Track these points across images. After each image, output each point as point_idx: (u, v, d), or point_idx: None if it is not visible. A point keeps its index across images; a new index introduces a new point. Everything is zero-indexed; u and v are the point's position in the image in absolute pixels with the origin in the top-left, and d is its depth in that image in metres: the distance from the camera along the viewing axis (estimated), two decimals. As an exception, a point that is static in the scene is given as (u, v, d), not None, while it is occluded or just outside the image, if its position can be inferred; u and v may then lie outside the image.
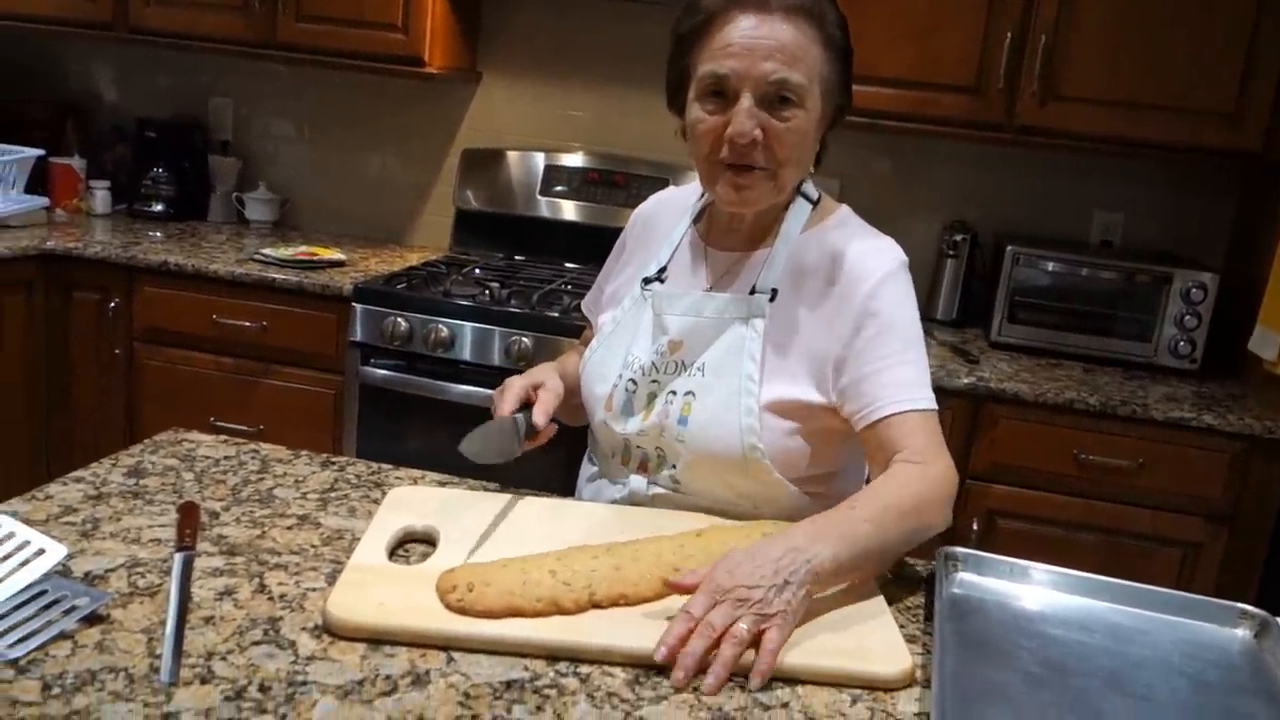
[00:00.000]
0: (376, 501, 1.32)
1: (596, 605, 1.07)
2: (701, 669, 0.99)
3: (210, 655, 0.95)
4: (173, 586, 1.05)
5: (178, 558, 1.10)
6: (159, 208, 3.19)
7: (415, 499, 1.29)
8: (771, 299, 1.34)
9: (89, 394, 2.79)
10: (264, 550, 1.16)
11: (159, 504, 1.24)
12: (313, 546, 1.18)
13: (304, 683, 0.92)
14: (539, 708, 0.92)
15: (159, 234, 2.99)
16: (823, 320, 1.32)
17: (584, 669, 0.99)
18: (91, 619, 0.98)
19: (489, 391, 2.47)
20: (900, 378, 1.28)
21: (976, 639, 1.13)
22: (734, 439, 1.30)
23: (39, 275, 2.71)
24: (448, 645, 1.00)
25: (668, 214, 1.51)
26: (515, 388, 1.38)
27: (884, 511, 1.15)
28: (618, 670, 1.00)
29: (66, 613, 0.97)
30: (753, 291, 1.34)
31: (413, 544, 1.21)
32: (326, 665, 0.96)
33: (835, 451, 1.36)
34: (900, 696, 1.01)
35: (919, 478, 1.20)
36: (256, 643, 0.98)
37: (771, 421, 1.31)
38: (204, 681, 0.91)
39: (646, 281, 1.43)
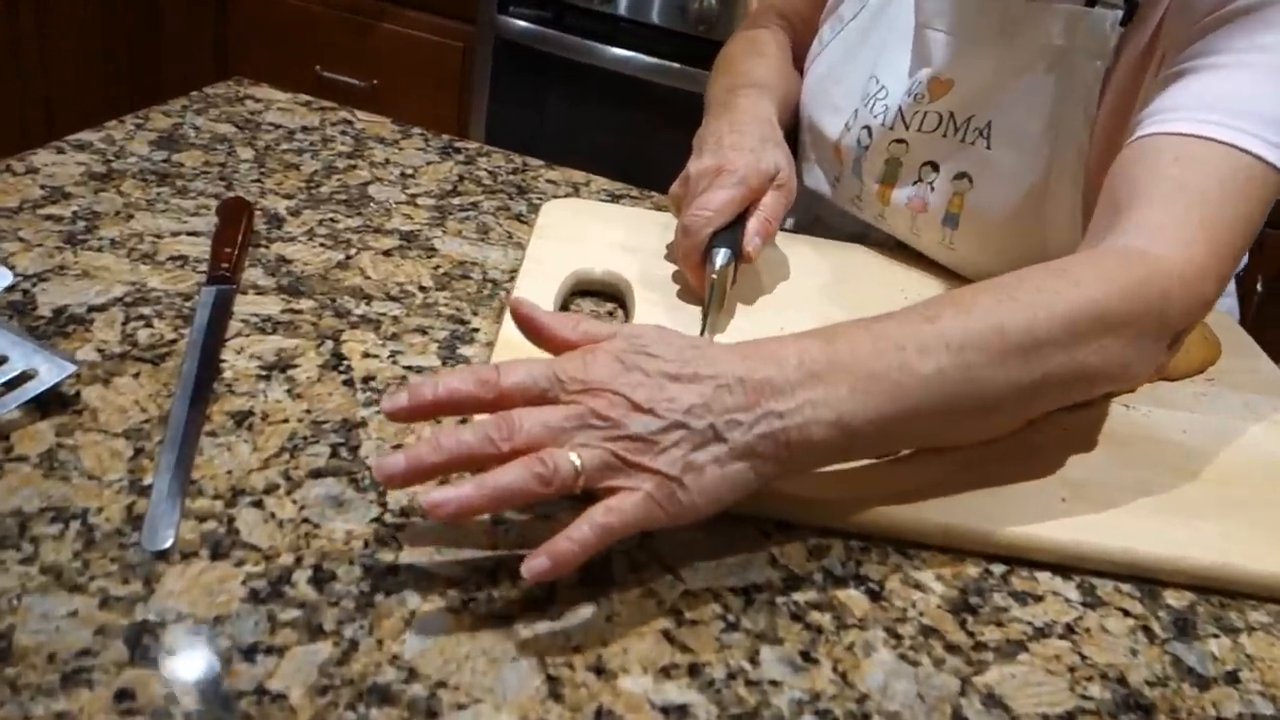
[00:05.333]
0: (520, 218, 0.87)
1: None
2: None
3: (234, 495, 0.54)
4: (191, 351, 0.63)
5: (206, 293, 0.68)
6: None
7: (580, 221, 0.83)
8: (1125, 19, 0.73)
9: (177, 25, 2.34)
10: (345, 289, 0.73)
11: (194, 195, 0.81)
12: (422, 290, 0.75)
13: (391, 572, 0.51)
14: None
15: None
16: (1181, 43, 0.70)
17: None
18: (42, 404, 0.57)
19: (650, 60, 1.97)
20: (1232, 86, 0.65)
21: None
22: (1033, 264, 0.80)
23: None
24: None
25: None
26: (731, 187, 0.72)
27: (987, 337, 0.55)
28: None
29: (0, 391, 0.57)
30: (1092, 1, 0.75)
31: (583, 297, 0.77)
32: (430, 533, 0.54)
33: None
34: None
35: (1112, 277, 0.58)
36: (317, 474, 0.56)
37: None
38: (216, 554, 0.51)
39: None
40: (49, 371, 0.58)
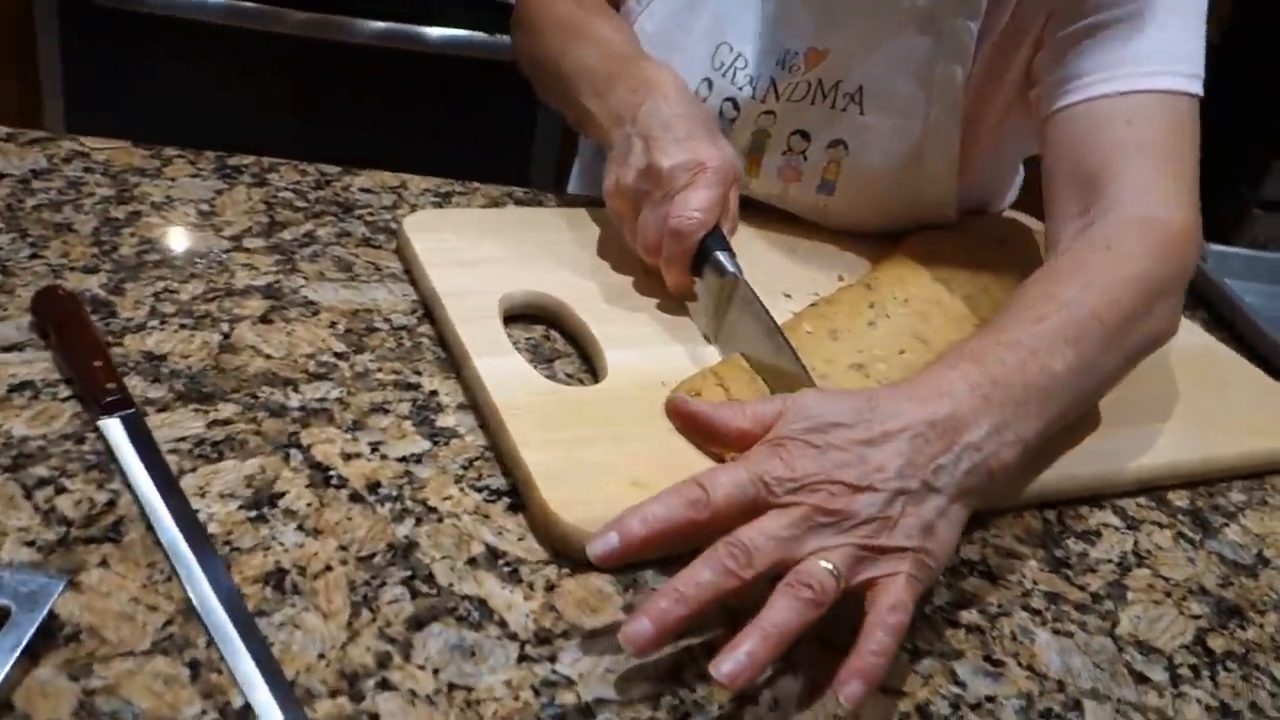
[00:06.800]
0: (369, 243, 0.75)
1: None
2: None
3: (352, 684, 0.44)
4: (151, 513, 0.49)
5: (110, 429, 0.53)
6: None
7: (457, 238, 0.74)
8: None
9: None
10: (255, 379, 0.60)
11: (-28, 293, 0.62)
12: (338, 357, 0.63)
13: (587, 716, 0.44)
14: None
15: None
16: None
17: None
18: (46, 636, 0.42)
19: (272, 8, 1.78)
20: (1142, 35, 0.68)
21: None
22: (908, 218, 0.83)
23: None
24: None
25: None
26: (714, 186, 0.66)
27: (1091, 327, 0.57)
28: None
29: (-26, 650, 0.41)
30: None
31: (506, 324, 0.68)
32: (589, 657, 0.47)
33: None
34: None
35: (1148, 246, 0.62)
36: (417, 624, 0.47)
37: (988, 182, 0.84)
38: (396, 767, 0.41)
39: None
40: (26, 598, 0.42)
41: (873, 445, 0.48)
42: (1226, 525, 0.64)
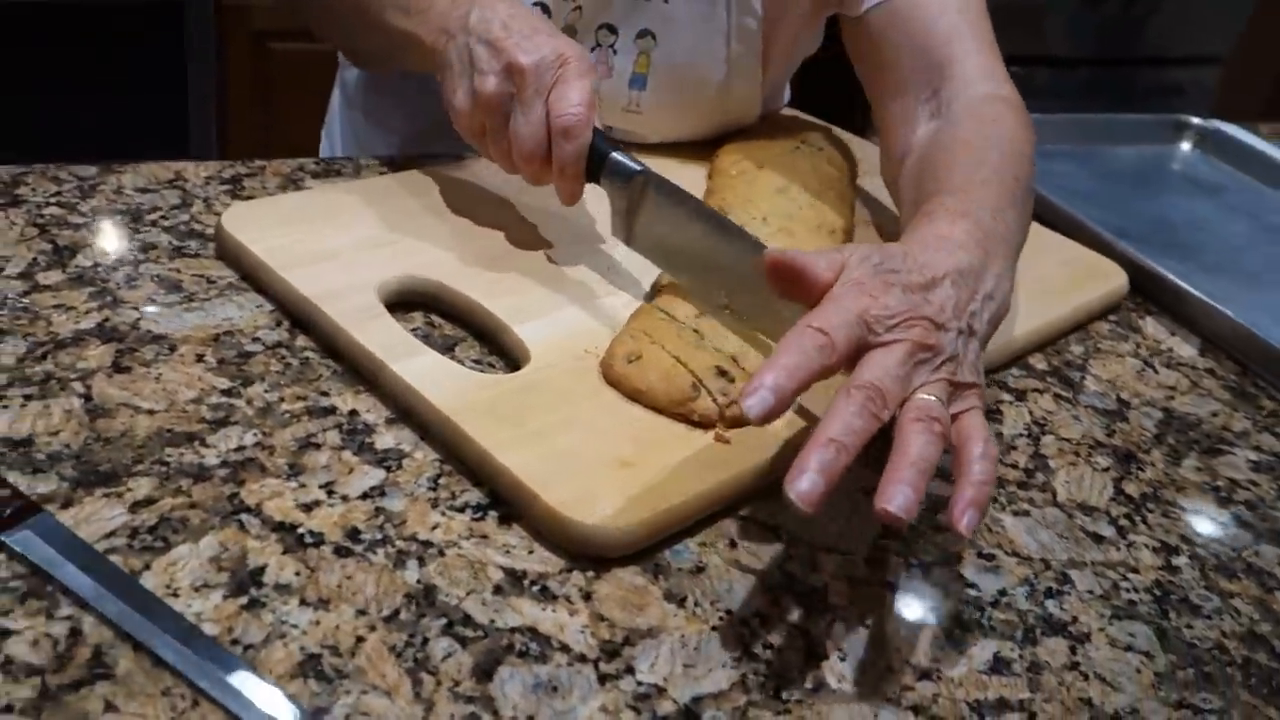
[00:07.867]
0: (182, 252, 0.66)
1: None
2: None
3: (460, 759, 0.40)
4: (141, 631, 0.42)
5: (27, 544, 0.45)
6: None
7: (291, 231, 0.66)
8: None
9: None
10: (153, 441, 0.52)
11: None
12: (223, 394, 0.55)
13: (687, 713, 0.44)
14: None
15: None
16: None
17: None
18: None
19: None
20: None
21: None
22: (719, 116, 0.85)
23: None
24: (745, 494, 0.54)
25: None
26: (585, 75, 0.62)
27: (1014, 187, 0.62)
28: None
29: None
30: None
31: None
32: (666, 656, 0.46)
33: None
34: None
35: (1017, 120, 0.69)
36: (484, 674, 0.43)
37: (778, 85, 0.87)
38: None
39: None
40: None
41: (928, 289, 0.50)
42: (1084, 378, 0.72)
